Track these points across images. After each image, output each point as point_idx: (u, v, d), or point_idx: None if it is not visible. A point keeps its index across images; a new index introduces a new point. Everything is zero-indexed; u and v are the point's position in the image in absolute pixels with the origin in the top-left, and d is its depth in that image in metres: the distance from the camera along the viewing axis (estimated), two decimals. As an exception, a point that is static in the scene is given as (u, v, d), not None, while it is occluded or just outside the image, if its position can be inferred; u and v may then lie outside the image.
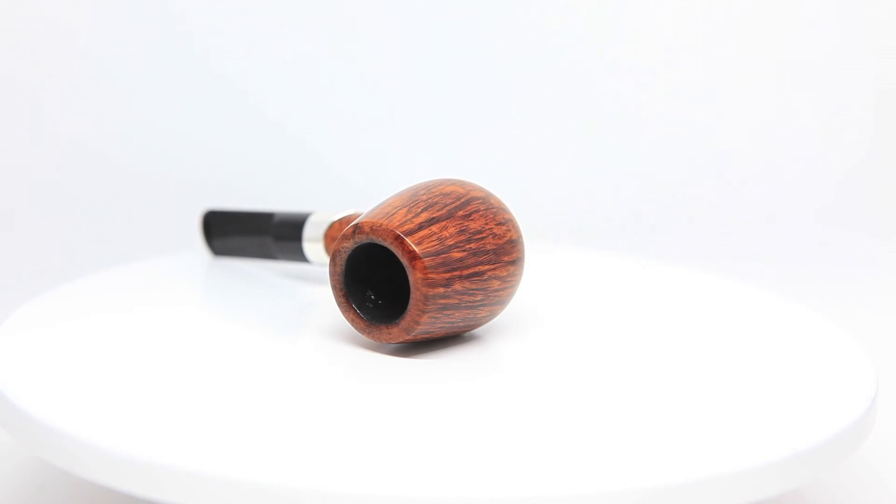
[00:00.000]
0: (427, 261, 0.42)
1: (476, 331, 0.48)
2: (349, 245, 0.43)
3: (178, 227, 0.81)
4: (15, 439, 0.39)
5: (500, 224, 0.44)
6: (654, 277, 0.60)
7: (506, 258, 0.44)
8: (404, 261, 0.42)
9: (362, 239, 0.43)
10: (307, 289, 0.55)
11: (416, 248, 0.42)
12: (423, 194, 0.44)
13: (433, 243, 0.42)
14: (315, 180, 0.82)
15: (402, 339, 0.43)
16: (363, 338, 0.46)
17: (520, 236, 0.45)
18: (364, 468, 0.34)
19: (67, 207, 0.81)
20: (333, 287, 0.45)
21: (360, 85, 0.83)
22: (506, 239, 0.44)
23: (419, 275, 0.42)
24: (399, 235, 0.42)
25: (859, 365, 0.45)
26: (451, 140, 0.84)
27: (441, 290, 0.42)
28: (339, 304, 0.45)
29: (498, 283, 0.44)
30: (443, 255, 0.42)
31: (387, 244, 0.42)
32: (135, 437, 0.35)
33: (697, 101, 0.84)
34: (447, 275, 0.42)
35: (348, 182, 0.83)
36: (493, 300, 0.44)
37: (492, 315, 0.45)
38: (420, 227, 0.42)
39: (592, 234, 0.84)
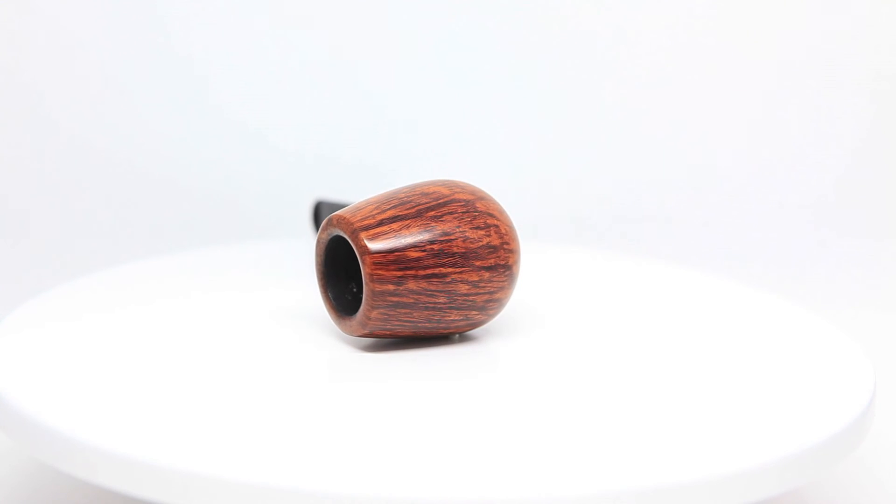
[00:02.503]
0: (377, 257, 0.43)
1: (475, 331, 0.48)
2: (325, 236, 0.45)
3: (175, 227, 0.81)
4: (12, 440, 0.39)
5: (477, 228, 0.44)
6: (652, 277, 0.60)
7: (478, 263, 0.44)
8: (357, 255, 0.43)
9: (332, 231, 0.44)
10: None
11: (367, 244, 0.43)
12: (404, 193, 0.45)
13: (388, 240, 0.43)
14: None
15: (361, 333, 0.44)
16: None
17: (504, 244, 0.45)
18: (356, 468, 0.34)
19: (64, 208, 0.81)
20: (316, 275, 0.46)
21: (358, 87, 0.83)
22: (481, 244, 0.44)
23: (368, 270, 0.43)
24: (355, 230, 0.43)
25: (857, 365, 0.45)
26: (460, 140, 0.84)
27: (391, 287, 0.43)
28: (321, 293, 0.46)
29: (467, 287, 0.44)
30: (396, 253, 0.43)
31: (346, 237, 0.44)
32: (130, 438, 0.35)
33: (696, 100, 0.84)
34: (399, 273, 0.43)
35: (346, 178, 0.83)
36: (464, 305, 0.44)
37: (470, 321, 0.45)
38: (380, 224, 0.43)
39: (591, 233, 0.84)
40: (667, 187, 0.84)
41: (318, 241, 0.46)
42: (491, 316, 0.46)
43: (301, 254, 0.61)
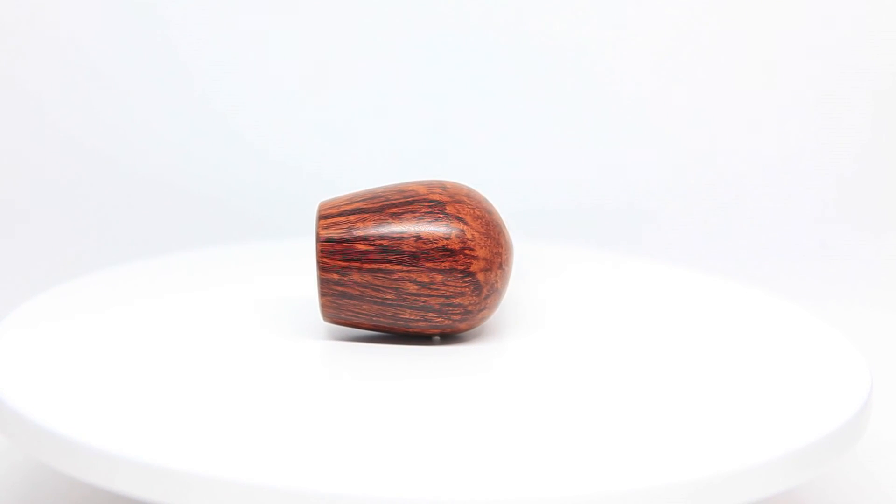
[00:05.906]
0: (325, 245, 0.44)
1: (475, 330, 0.48)
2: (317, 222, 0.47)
3: (174, 228, 0.81)
4: (9, 440, 0.39)
5: (436, 230, 0.44)
6: (649, 276, 0.60)
7: (429, 264, 0.44)
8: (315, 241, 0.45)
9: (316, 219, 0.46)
10: None
11: (321, 232, 0.44)
12: (383, 189, 0.46)
13: (340, 231, 0.44)
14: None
15: (325, 319, 0.45)
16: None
17: (466, 249, 0.44)
18: (349, 467, 0.34)
19: (63, 208, 0.81)
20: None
21: (351, 86, 0.83)
22: (436, 245, 0.44)
23: (317, 257, 0.44)
24: (319, 217, 0.45)
25: (854, 364, 0.45)
26: (457, 138, 0.84)
27: (335, 276, 0.44)
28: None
29: (416, 287, 0.44)
30: (345, 244, 0.44)
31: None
32: (128, 438, 0.35)
33: (696, 99, 0.84)
34: (344, 263, 0.44)
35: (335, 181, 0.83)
36: (417, 304, 0.44)
37: (432, 323, 0.45)
38: (341, 214, 0.45)
39: (589, 233, 0.84)
40: (666, 187, 0.84)
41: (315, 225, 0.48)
42: (457, 322, 0.45)
43: (302, 253, 0.61)
